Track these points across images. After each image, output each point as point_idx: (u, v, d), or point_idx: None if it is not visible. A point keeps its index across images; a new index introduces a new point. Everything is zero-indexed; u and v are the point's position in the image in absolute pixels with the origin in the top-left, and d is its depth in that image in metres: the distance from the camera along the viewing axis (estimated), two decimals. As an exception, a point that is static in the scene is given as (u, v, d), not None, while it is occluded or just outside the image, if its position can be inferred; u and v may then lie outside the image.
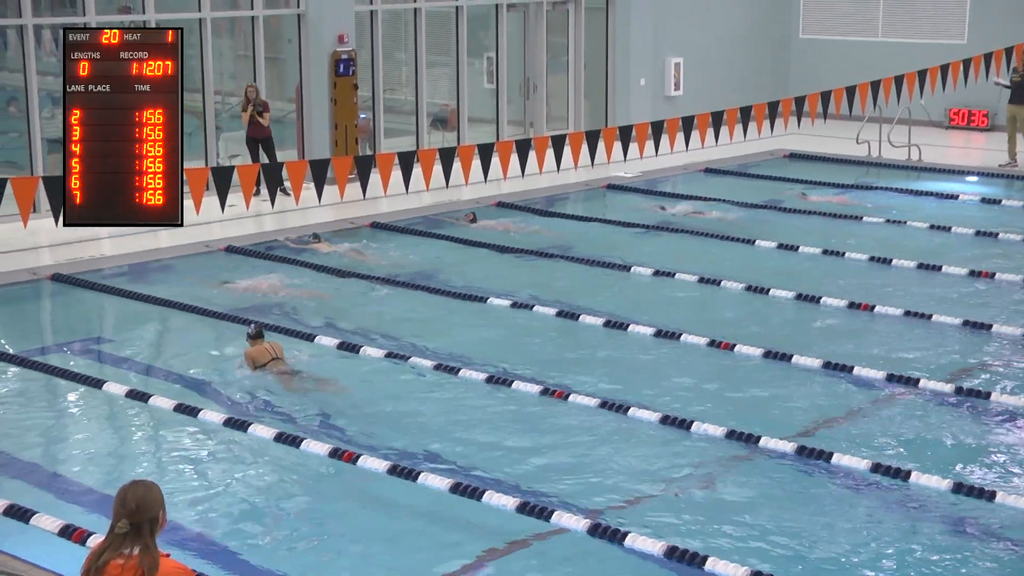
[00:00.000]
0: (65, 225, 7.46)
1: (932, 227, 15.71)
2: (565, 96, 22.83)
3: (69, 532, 7.60)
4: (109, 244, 15.10)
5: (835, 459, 8.72)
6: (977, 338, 11.54)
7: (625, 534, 7.58)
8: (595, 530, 7.69)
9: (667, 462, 8.91)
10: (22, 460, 9.08)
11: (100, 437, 9.63)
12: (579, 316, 12.11)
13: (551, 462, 8.90)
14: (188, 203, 13.12)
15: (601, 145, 16.38)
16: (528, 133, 21.97)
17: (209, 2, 17.94)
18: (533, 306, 12.45)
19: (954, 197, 17.71)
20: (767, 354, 10.93)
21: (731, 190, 18.11)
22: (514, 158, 15.75)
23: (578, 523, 7.78)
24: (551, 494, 8.33)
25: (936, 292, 13.03)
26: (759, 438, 9.07)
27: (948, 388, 10.10)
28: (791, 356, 10.83)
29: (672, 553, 7.37)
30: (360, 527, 8.04)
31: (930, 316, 11.94)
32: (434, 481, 8.38)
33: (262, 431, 9.25)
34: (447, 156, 15.15)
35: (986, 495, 8.18)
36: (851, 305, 12.39)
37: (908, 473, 8.47)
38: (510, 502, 8.03)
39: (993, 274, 13.44)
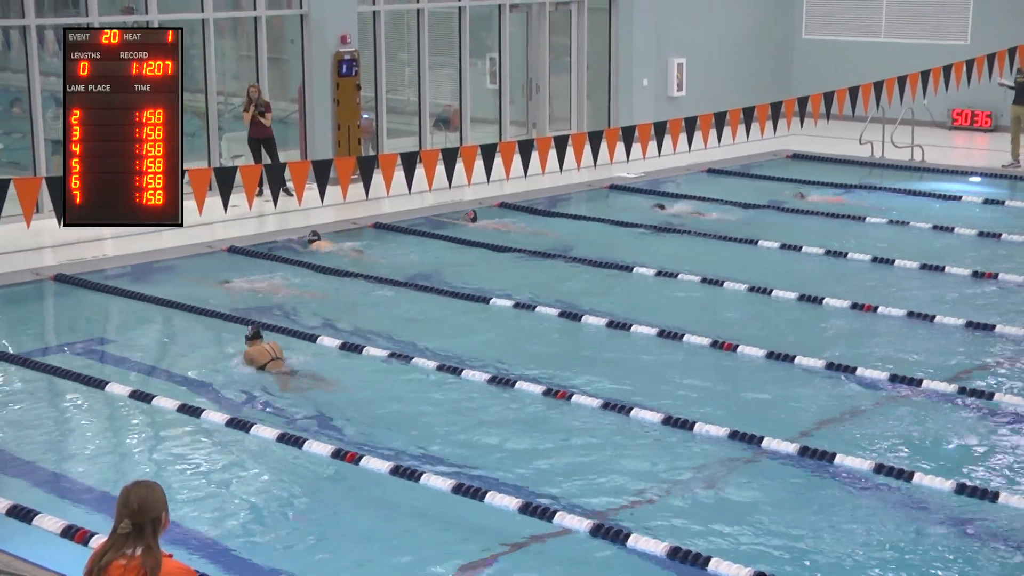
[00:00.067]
0: (65, 225, 7.46)
1: (935, 228, 15.70)
2: (568, 96, 22.82)
3: (72, 533, 7.61)
4: (112, 245, 15.11)
5: (838, 460, 8.71)
6: (980, 339, 11.53)
7: (628, 535, 7.58)
8: (598, 531, 7.68)
9: (669, 463, 8.91)
10: (25, 460, 9.09)
11: (102, 437, 9.64)
12: (582, 317, 12.11)
13: (553, 463, 8.90)
14: (191, 203, 13.18)
15: (604, 146, 16.38)
16: (531, 134, 21.97)
17: (212, 3, 17.94)
18: (535, 307, 12.44)
19: (957, 198, 17.70)
20: (770, 355, 10.93)
21: (734, 191, 18.10)
22: (517, 159, 15.75)
23: (581, 524, 7.77)
24: (553, 495, 8.33)
25: (939, 293, 13.02)
26: (762, 439, 9.07)
27: (951, 389, 10.09)
28: (794, 357, 10.82)
29: (675, 554, 7.36)
30: (362, 527, 8.04)
31: (933, 317, 11.93)
32: (436, 482, 8.37)
33: (264, 431, 9.26)
34: (450, 157, 15.15)
35: (989, 496, 8.17)
36: (854, 306, 12.38)
37: (911, 474, 8.46)
38: (512, 503, 8.03)
39: (996, 275, 13.43)
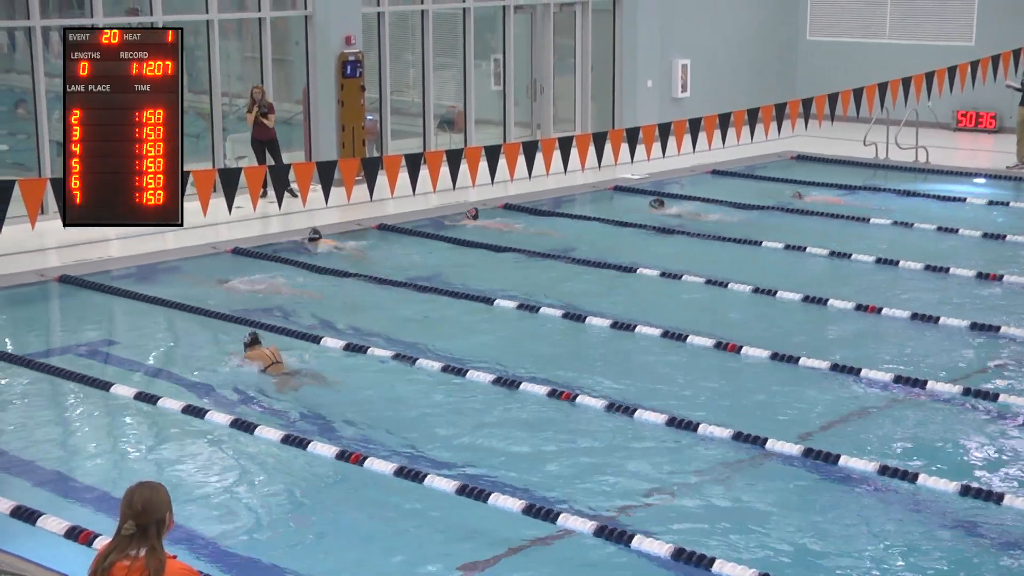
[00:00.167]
0: (65, 225, 7.46)
1: (939, 229, 15.69)
2: (572, 98, 22.82)
3: (75, 534, 7.61)
4: (116, 246, 15.12)
5: (842, 461, 8.70)
6: (985, 340, 11.51)
7: (632, 536, 7.57)
8: (601, 532, 7.68)
9: (673, 464, 8.90)
10: (29, 461, 9.09)
11: (106, 438, 9.65)
12: (585, 318, 12.11)
13: (557, 464, 8.89)
14: (195, 205, 13.19)
15: (608, 147, 16.37)
16: (535, 135, 21.97)
17: (216, 4, 17.96)
18: (539, 307, 12.44)
19: (962, 199, 17.68)
20: (774, 356, 10.92)
21: (738, 192, 18.09)
22: (521, 160, 15.75)
23: (584, 525, 7.77)
24: (557, 496, 8.32)
25: (944, 294, 13.01)
26: (766, 440, 9.06)
27: (956, 391, 10.08)
28: (798, 358, 10.81)
29: (679, 555, 7.36)
30: (365, 528, 8.04)
31: (937, 319, 11.92)
32: (440, 483, 8.37)
33: (268, 433, 9.26)
34: (454, 158, 15.15)
35: (994, 498, 8.16)
36: (858, 307, 12.37)
37: (916, 475, 8.45)
38: (516, 504, 8.03)
39: (1001, 276, 13.42)
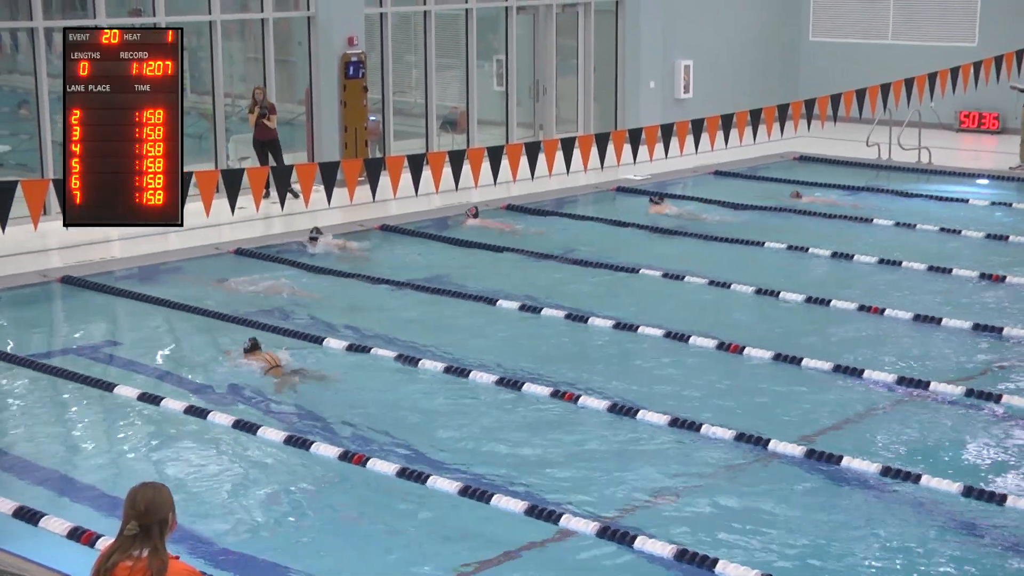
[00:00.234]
0: (65, 225, 7.46)
1: (942, 230, 15.67)
2: (575, 98, 22.82)
3: (78, 534, 7.61)
4: (119, 247, 15.13)
5: (845, 462, 8.69)
6: (987, 341, 11.50)
7: (634, 537, 7.57)
8: (604, 533, 7.67)
9: (676, 465, 8.89)
10: (31, 462, 9.10)
11: (109, 439, 9.65)
12: (588, 318, 12.10)
13: (560, 465, 8.89)
14: (198, 206, 13.20)
15: (611, 148, 16.37)
16: (538, 136, 21.97)
17: (219, 4, 17.97)
18: (542, 308, 12.44)
19: (965, 200, 17.67)
20: (777, 357, 10.91)
21: (740, 193, 18.09)
22: (523, 161, 15.75)
23: (587, 526, 7.76)
24: (560, 497, 8.31)
25: (946, 295, 13.00)
26: (768, 441, 9.05)
27: (959, 391, 10.07)
28: (801, 359, 10.80)
29: (682, 556, 7.36)
30: (368, 529, 8.04)
31: (940, 320, 11.91)
32: (442, 484, 8.37)
33: (271, 434, 9.26)
34: (457, 159, 15.16)
35: (997, 499, 8.15)
36: (861, 308, 12.37)
37: (918, 476, 8.44)
38: (518, 505, 8.02)
39: (1004, 277, 13.41)
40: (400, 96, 20.79)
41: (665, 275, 13.67)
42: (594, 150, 16.29)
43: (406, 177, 14.80)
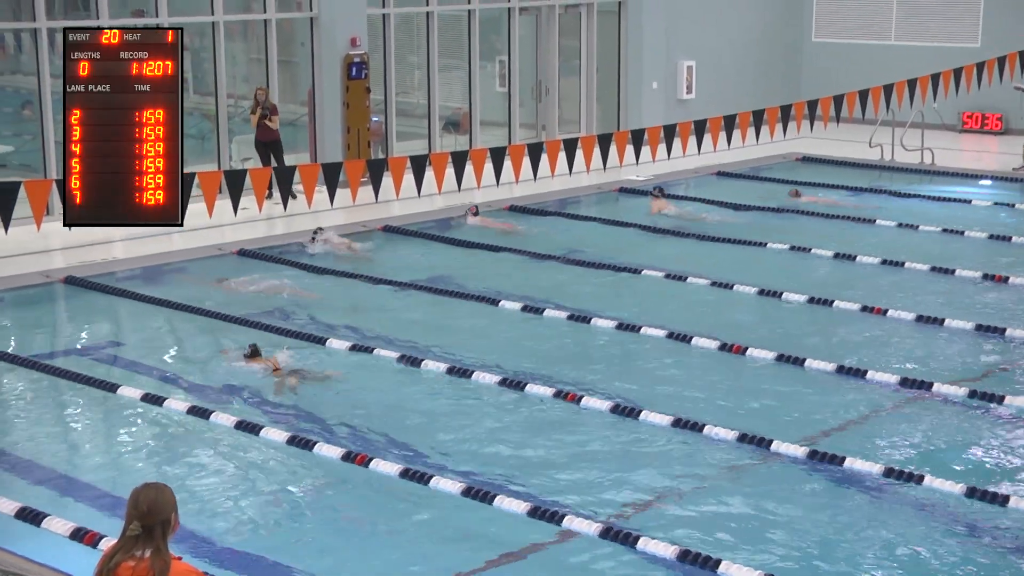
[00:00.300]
0: (65, 225, 7.46)
1: (945, 231, 15.67)
2: (577, 99, 22.82)
3: (81, 535, 7.62)
4: (122, 247, 15.14)
5: (847, 463, 8.69)
6: (991, 342, 11.50)
7: (637, 538, 7.57)
8: (607, 534, 7.67)
9: (679, 466, 8.89)
10: (34, 463, 9.10)
11: (112, 440, 9.66)
12: (590, 319, 12.10)
13: (562, 466, 8.89)
14: (201, 206, 13.22)
15: (613, 148, 16.37)
16: (540, 136, 21.97)
17: (222, 5, 17.97)
18: (544, 309, 12.44)
19: (967, 201, 17.66)
20: (780, 357, 10.91)
21: (743, 193, 18.08)
22: (526, 161, 15.75)
23: (590, 527, 7.76)
24: (563, 498, 8.31)
25: (949, 296, 12.99)
26: (771, 442, 9.05)
27: (961, 392, 10.06)
28: (803, 360, 10.80)
29: (684, 557, 7.36)
30: (370, 530, 8.04)
31: (943, 321, 11.90)
32: (445, 485, 8.37)
33: (273, 434, 9.26)
34: (459, 159, 15.16)
35: (999, 499, 8.15)
36: (864, 309, 12.36)
37: (921, 477, 8.44)
38: (521, 506, 8.02)
39: (1006, 278, 13.40)
40: (403, 97, 20.79)
41: (667, 276, 13.67)
42: (596, 151, 16.29)
43: (409, 178, 14.80)
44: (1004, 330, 11.62)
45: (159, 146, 7.09)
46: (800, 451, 8.93)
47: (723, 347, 11.22)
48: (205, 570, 6.73)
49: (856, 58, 24.83)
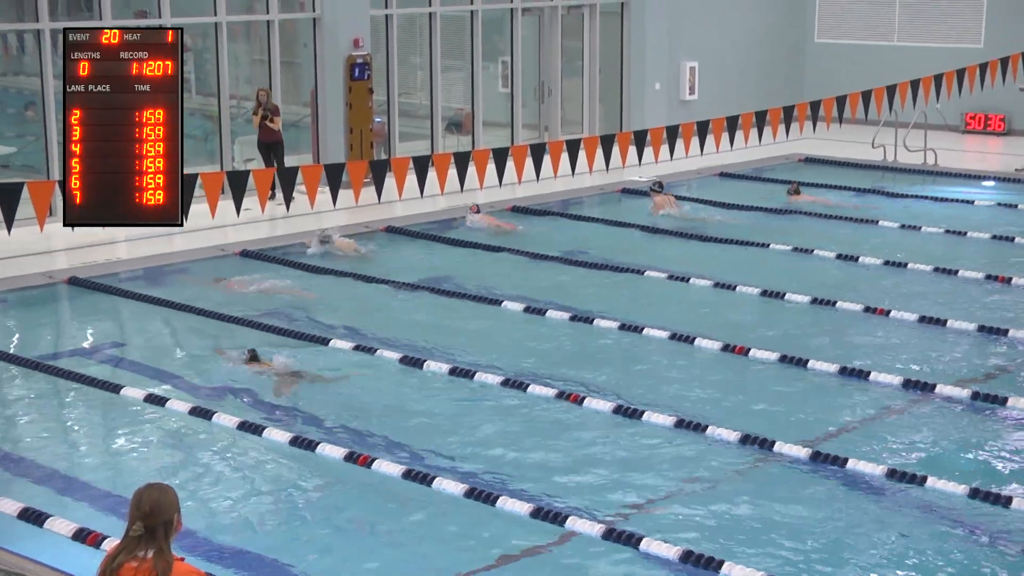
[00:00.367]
0: (65, 225, 7.45)
1: (948, 232, 15.66)
2: (580, 100, 22.82)
3: (83, 535, 7.62)
4: (125, 248, 15.14)
5: (850, 464, 8.69)
6: (994, 343, 11.49)
7: (640, 539, 7.57)
8: (609, 535, 7.67)
9: (681, 467, 8.89)
10: (36, 463, 9.11)
11: (115, 440, 9.66)
12: (593, 320, 12.10)
13: (565, 466, 8.88)
14: (203, 207, 13.22)
15: (616, 149, 16.37)
16: (543, 137, 21.97)
17: (225, 6, 17.98)
18: (546, 310, 12.43)
19: (970, 202, 17.65)
20: (782, 359, 10.90)
21: (745, 194, 18.07)
22: (529, 162, 15.75)
23: (592, 528, 7.76)
24: (565, 499, 8.31)
25: (952, 297, 12.98)
26: (774, 443, 9.04)
27: (964, 393, 10.05)
28: (807, 361, 10.79)
29: (687, 558, 7.35)
30: (373, 531, 8.04)
31: (945, 321, 11.89)
32: (447, 486, 8.37)
33: (276, 435, 9.26)
34: (462, 160, 15.15)
35: (1003, 500, 8.14)
36: (866, 310, 12.35)
37: (924, 479, 8.43)
38: (523, 507, 8.02)
39: (1009, 279, 13.39)
40: (405, 98, 20.79)
41: (670, 276, 13.67)
42: (599, 152, 16.28)
43: (411, 179, 14.80)
44: (1007, 331, 11.60)
45: (159, 146, 7.09)
46: (803, 452, 8.92)
47: (726, 348, 11.21)
48: (207, 570, 6.73)
49: (859, 59, 24.81)
